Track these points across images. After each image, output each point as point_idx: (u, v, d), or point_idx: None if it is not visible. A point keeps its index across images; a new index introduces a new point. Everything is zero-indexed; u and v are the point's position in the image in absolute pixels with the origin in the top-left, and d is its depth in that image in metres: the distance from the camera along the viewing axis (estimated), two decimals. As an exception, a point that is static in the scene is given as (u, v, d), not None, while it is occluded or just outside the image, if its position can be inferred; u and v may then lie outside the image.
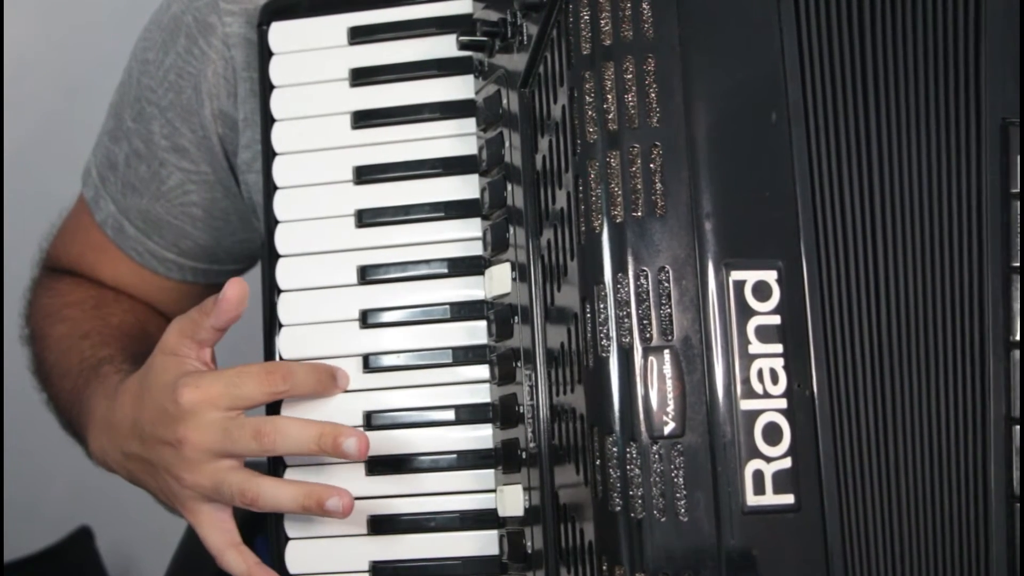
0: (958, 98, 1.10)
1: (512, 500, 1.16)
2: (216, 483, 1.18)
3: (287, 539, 1.22)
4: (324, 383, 1.20)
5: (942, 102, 1.10)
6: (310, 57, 1.27)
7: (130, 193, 1.43)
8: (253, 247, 1.46)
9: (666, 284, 1.05)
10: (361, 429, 1.19)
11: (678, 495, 1.03)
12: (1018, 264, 1.10)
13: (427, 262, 1.23)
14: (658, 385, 1.04)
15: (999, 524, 1.08)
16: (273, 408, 1.22)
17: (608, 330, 1.05)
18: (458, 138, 1.24)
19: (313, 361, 1.21)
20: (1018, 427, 1.09)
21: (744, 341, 1.05)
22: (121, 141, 1.43)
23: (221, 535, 1.20)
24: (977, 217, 1.10)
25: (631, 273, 1.05)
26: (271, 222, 1.25)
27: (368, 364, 1.22)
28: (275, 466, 1.22)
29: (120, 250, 1.46)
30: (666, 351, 1.04)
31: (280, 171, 1.26)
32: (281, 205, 1.25)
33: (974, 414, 1.09)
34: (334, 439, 1.15)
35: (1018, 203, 1.10)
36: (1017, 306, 1.09)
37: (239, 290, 1.16)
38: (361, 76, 1.26)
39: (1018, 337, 1.09)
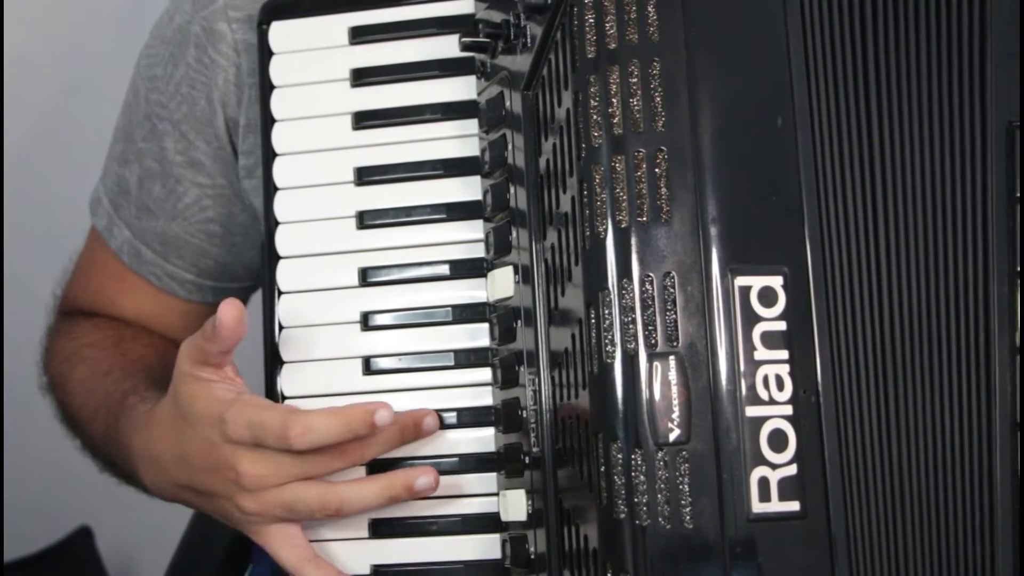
0: (963, 102, 1.10)
1: (515, 504, 1.16)
2: (289, 504, 1.16)
3: (289, 543, 1.21)
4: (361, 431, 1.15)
5: (947, 106, 1.10)
6: (311, 57, 1.27)
7: (145, 216, 1.41)
8: None
9: (671, 290, 1.05)
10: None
11: (683, 502, 1.03)
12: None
13: (429, 264, 1.22)
14: (663, 391, 1.03)
15: (1005, 531, 1.08)
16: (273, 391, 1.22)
17: (613, 336, 1.04)
18: (460, 139, 1.24)
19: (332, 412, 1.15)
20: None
21: (750, 347, 1.04)
22: (132, 163, 1.41)
23: (294, 551, 1.18)
24: (983, 221, 1.09)
25: (636, 279, 1.04)
26: (271, 223, 1.25)
27: (369, 366, 1.21)
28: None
29: (139, 276, 1.43)
30: (671, 357, 1.04)
31: (281, 172, 1.25)
32: (281, 206, 1.25)
33: (980, 420, 1.08)
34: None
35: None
36: (1022, 311, 1.09)
37: (234, 312, 1.13)
38: (362, 76, 1.25)
39: (1024, 342, 1.09)
